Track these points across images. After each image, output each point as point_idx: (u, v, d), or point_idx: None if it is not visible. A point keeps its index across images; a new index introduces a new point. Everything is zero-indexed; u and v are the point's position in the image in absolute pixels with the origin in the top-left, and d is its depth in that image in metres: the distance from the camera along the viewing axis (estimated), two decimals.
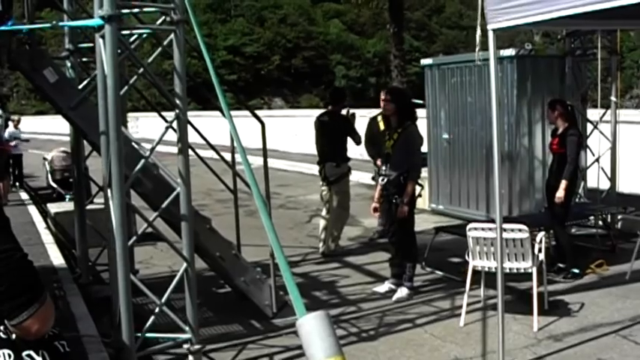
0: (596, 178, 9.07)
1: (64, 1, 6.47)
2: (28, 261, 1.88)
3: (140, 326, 4.82)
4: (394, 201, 6.86)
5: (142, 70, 5.31)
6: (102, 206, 5.47)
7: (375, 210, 7.23)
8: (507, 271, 5.65)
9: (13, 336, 1.87)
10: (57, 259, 7.96)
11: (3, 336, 1.88)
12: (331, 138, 8.70)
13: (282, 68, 56.12)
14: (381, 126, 8.79)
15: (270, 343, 5.74)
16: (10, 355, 1.87)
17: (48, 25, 6.44)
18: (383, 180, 6.98)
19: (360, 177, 12.61)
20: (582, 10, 4.01)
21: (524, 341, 5.55)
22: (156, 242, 8.38)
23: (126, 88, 5.19)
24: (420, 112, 13.02)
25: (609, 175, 9.12)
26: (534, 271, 5.86)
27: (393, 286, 7.05)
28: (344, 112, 8.90)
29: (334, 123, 8.75)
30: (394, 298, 6.85)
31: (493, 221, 5.53)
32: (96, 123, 5.01)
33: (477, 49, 4.78)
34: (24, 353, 1.89)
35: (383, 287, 7.10)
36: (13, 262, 1.83)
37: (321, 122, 8.88)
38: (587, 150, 9.51)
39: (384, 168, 7.01)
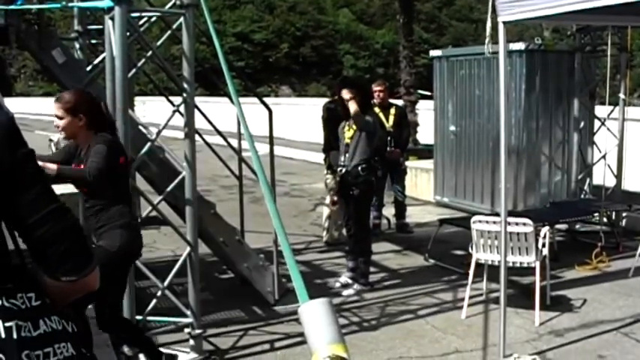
0: (602, 175, 9.05)
1: None
2: (76, 219, 1.83)
3: (142, 309, 4.85)
4: (351, 193, 6.77)
5: (150, 53, 5.31)
6: None
7: (334, 203, 7.02)
8: (510, 264, 5.65)
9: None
10: None
11: (34, 303, 1.70)
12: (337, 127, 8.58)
13: (290, 56, 55.83)
14: (382, 116, 8.89)
15: (271, 330, 5.75)
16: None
17: (57, 5, 6.41)
18: (341, 171, 6.90)
19: None
20: (593, 5, 3.99)
21: (525, 335, 5.55)
22: (160, 226, 8.39)
23: (134, 70, 5.18)
24: (428, 104, 13.04)
25: (615, 172, 9.10)
26: (537, 265, 5.86)
27: (349, 280, 6.91)
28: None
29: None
30: (344, 292, 6.73)
31: (498, 214, 5.52)
32: None
33: (486, 40, 4.75)
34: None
35: (339, 280, 7.00)
36: (68, 219, 1.76)
37: (329, 110, 8.76)
38: (594, 146, 9.50)
39: (342, 158, 6.90)
